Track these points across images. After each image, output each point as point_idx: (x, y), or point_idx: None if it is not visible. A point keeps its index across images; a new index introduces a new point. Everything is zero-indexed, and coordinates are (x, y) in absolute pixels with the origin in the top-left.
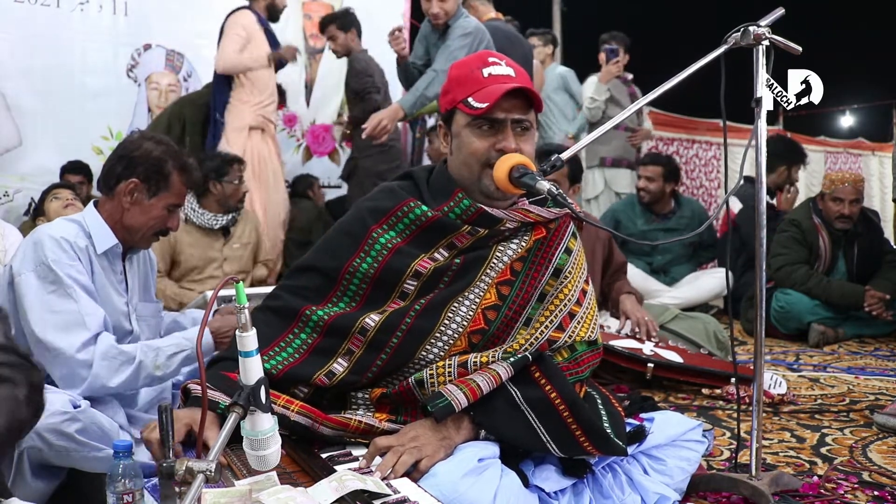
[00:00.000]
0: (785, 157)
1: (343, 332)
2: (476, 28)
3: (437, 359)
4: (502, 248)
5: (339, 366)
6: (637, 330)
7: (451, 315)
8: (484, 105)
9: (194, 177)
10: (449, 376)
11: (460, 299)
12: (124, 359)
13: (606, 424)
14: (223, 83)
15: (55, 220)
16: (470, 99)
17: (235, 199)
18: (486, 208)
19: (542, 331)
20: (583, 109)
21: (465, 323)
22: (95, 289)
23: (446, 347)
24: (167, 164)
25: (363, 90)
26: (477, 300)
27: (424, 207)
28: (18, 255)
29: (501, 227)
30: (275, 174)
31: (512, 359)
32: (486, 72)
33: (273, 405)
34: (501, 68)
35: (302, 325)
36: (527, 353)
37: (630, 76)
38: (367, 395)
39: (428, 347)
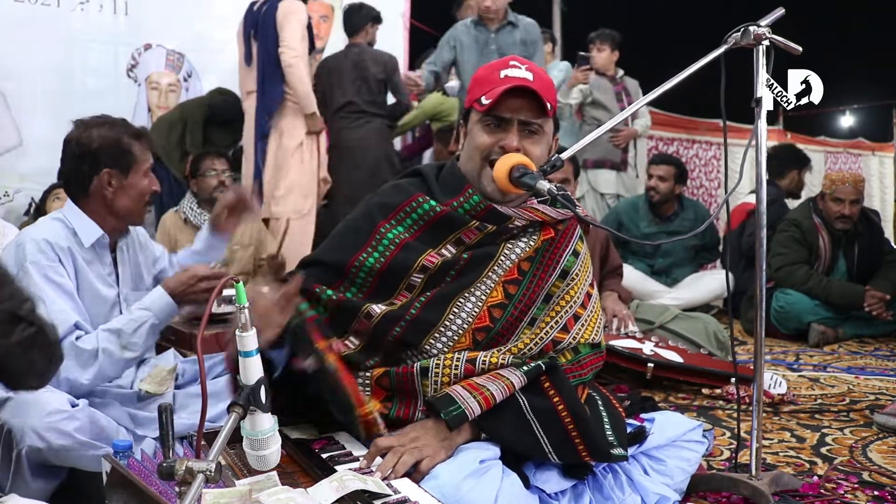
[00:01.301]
0: (793, 161)
1: (351, 312)
2: None
3: (441, 353)
4: (511, 247)
5: (352, 342)
6: (609, 325)
7: (455, 310)
8: (488, 101)
9: (148, 137)
10: (455, 370)
11: (466, 295)
12: (87, 355)
13: (609, 434)
14: (279, 78)
15: (39, 219)
16: (482, 97)
17: (212, 190)
18: (495, 205)
19: (546, 331)
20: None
21: (470, 319)
22: (79, 285)
23: (450, 343)
24: (123, 140)
25: None
26: (483, 297)
27: (433, 202)
28: (4, 256)
29: (510, 225)
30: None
31: (526, 368)
32: (503, 73)
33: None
34: (519, 71)
35: (314, 303)
36: (540, 363)
37: (621, 72)
38: (367, 375)
39: (431, 342)
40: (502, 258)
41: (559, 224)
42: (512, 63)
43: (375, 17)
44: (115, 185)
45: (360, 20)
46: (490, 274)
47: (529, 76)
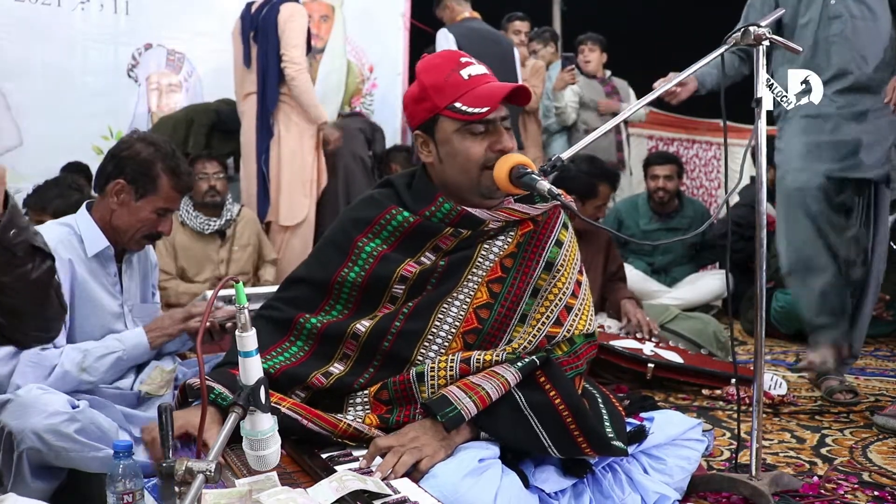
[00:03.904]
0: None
1: (336, 337)
2: None
3: (437, 358)
4: (487, 246)
5: (336, 368)
6: (639, 331)
7: (441, 316)
8: (484, 109)
9: (185, 181)
10: (451, 370)
11: (449, 300)
12: (43, 369)
13: (608, 427)
14: (280, 80)
15: (48, 222)
16: (457, 104)
17: (203, 194)
18: (469, 209)
19: (539, 327)
20: (551, 116)
21: (457, 323)
22: (76, 294)
23: (442, 350)
24: (156, 166)
25: None
26: (468, 300)
27: (406, 213)
28: None
29: (485, 228)
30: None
31: (520, 364)
32: (465, 73)
33: None
34: (477, 68)
35: (297, 334)
36: (534, 358)
37: (608, 73)
38: (365, 393)
39: (423, 351)
40: (480, 258)
41: (538, 216)
42: (464, 60)
43: None
44: (121, 200)
45: None
46: (470, 276)
47: (486, 70)
